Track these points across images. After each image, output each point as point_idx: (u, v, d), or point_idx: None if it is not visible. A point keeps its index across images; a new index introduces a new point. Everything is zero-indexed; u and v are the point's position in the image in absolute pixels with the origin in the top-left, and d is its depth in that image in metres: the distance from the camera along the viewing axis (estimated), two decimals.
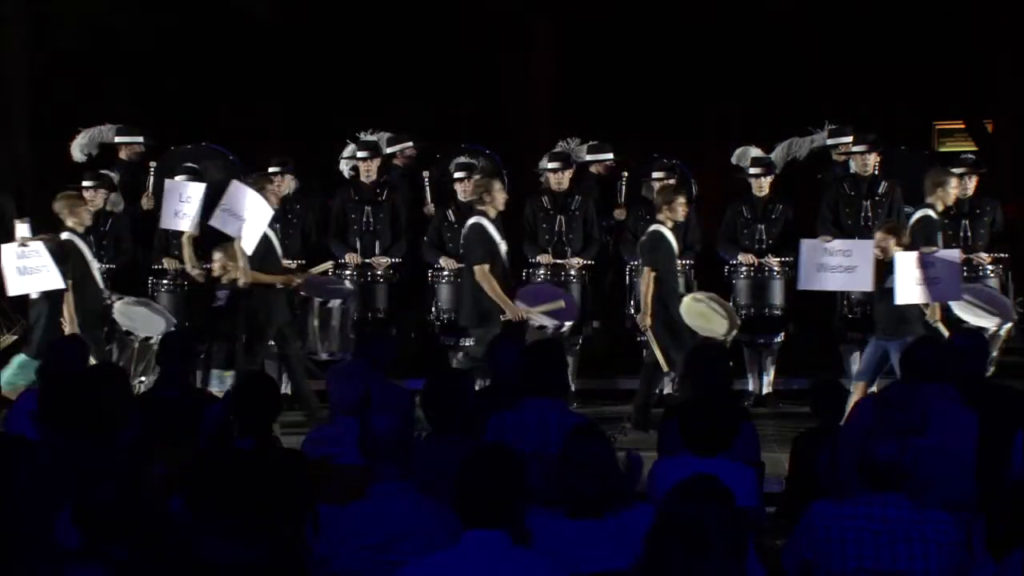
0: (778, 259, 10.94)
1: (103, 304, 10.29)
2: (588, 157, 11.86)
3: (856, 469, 4.88)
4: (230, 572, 4.40)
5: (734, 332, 10.08)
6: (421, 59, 15.52)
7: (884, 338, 9.26)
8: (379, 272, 11.02)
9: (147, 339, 10.32)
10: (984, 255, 10.85)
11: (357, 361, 7.10)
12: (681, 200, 10.11)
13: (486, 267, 9.86)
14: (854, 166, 11.18)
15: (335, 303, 10.39)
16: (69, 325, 9.83)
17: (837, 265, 9.48)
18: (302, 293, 10.43)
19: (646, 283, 9.93)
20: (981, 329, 9.73)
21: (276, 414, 6.19)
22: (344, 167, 11.70)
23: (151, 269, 11.04)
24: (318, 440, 6.34)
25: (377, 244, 11.19)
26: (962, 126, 16.74)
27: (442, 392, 6.07)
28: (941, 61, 15.25)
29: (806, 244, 9.68)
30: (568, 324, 10.44)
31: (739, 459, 5.70)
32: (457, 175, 11.22)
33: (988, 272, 10.80)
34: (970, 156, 12.03)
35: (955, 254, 9.53)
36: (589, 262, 11.04)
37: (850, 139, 11.34)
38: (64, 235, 10.04)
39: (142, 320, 10.43)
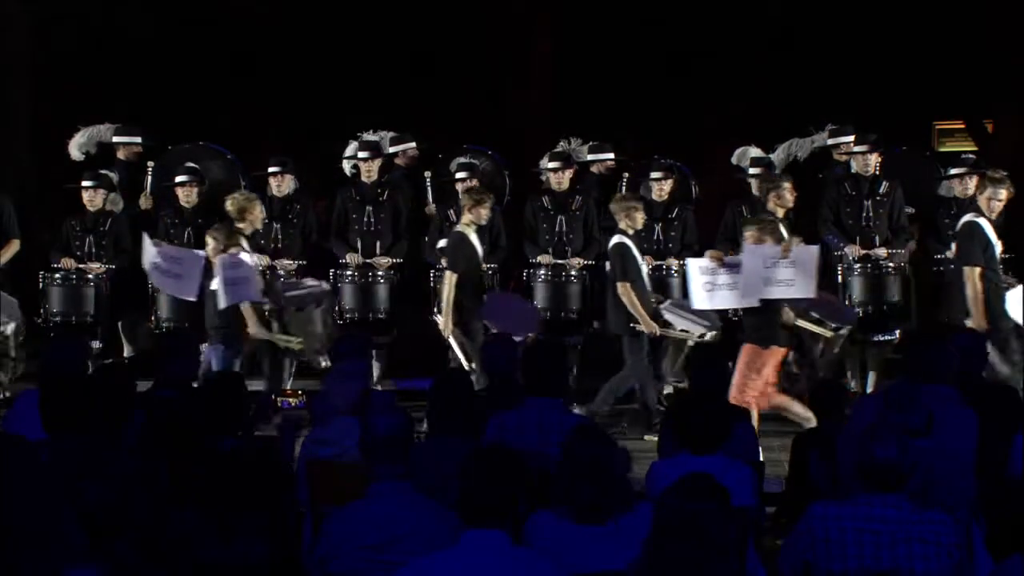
0: None
1: None
2: (589, 157, 11.86)
3: (856, 469, 4.89)
4: (229, 572, 4.41)
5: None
6: (421, 59, 15.50)
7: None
8: (380, 272, 11.02)
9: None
10: None
11: (357, 361, 7.09)
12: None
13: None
14: (855, 166, 11.18)
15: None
16: None
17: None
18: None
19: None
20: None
21: (247, 412, 6.21)
22: (346, 166, 11.71)
23: None
24: (318, 440, 6.34)
25: (378, 244, 11.19)
26: (962, 126, 16.72)
27: (442, 392, 6.08)
28: (941, 61, 15.23)
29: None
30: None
31: (738, 459, 5.71)
32: (459, 175, 11.22)
33: None
34: (970, 156, 12.03)
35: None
36: (589, 262, 11.04)
37: (851, 139, 11.33)
38: None
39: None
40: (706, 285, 9.64)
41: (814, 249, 9.65)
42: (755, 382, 9.02)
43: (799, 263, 9.27)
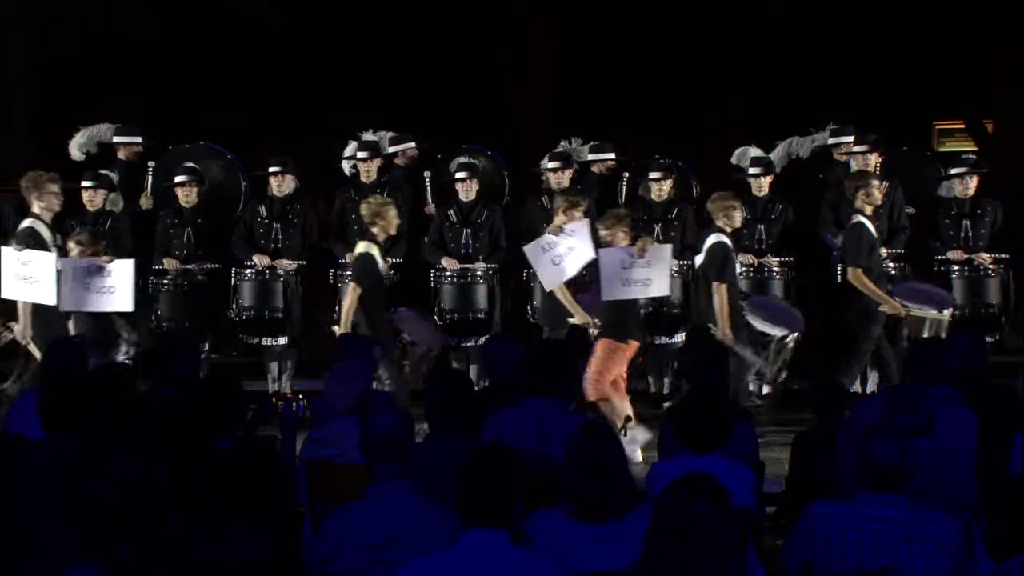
0: (778, 259, 10.94)
1: None
2: (590, 157, 11.85)
3: (856, 469, 4.89)
4: (229, 572, 4.41)
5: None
6: (422, 59, 15.50)
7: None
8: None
9: None
10: (985, 255, 10.85)
11: (357, 361, 7.09)
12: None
13: None
14: (855, 166, 11.18)
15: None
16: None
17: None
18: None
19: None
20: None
21: (244, 411, 6.21)
22: (346, 167, 11.71)
23: (151, 269, 11.03)
24: (318, 440, 6.34)
25: None
26: (962, 126, 16.72)
27: (440, 392, 6.07)
28: (941, 61, 15.23)
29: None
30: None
31: (738, 459, 5.70)
32: (458, 175, 11.22)
33: (989, 272, 10.81)
34: (970, 156, 12.03)
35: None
36: None
37: (851, 139, 11.34)
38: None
39: None
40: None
41: (667, 248, 9.73)
42: (608, 375, 9.04)
43: (654, 263, 9.37)
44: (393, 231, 10.11)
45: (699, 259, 9.92)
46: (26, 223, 10.05)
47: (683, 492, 4.13)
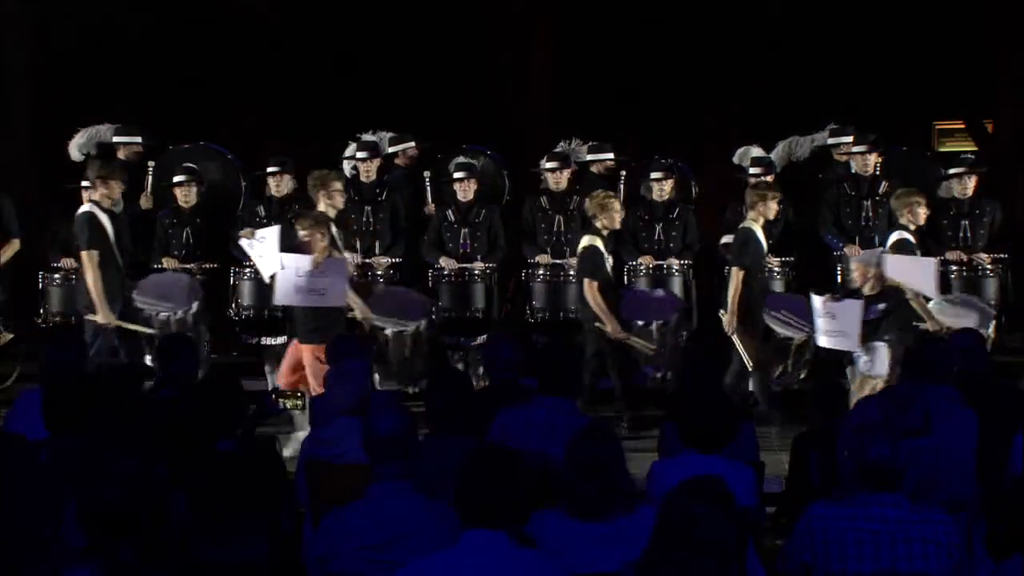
0: (778, 259, 10.93)
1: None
2: (589, 157, 11.86)
3: (854, 469, 4.89)
4: (229, 572, 4.41)
5: None
6: (422, 59, 15.50)
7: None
8: (379, 272, 11.02)
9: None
10: (983, 255, 10.85)
11: (357, 361, 7.09)
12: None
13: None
14: (855, 166, 11.18)
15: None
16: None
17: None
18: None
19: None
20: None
21: (243, 411, 6.22)
22: (346, 167, 11.70)
23: (151, 269, 11.03)
24: (318, 440, 6.34)
25: (377, 244, 11.19)
26: (962, 126, 16.73)
27: (439, 392, 6.07)
28: (941, 61, 15.24)
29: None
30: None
31: (738, 459, 5.70)
32: (457, 175, 11.22)
33: (988, 272, 10.80)
34: (970, 156, 12.04)
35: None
36: None
37: (851, 139, 11.34)
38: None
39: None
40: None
41: (342, 260, 9.79)
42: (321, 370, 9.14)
43: (329, 274, 9.51)
44: (617, 225, 10.18)
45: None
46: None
47: (688, 494, 4.13)
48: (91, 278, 9.83)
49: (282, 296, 9.67)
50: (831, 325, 9.51)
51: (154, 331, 10.09)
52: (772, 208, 10.07)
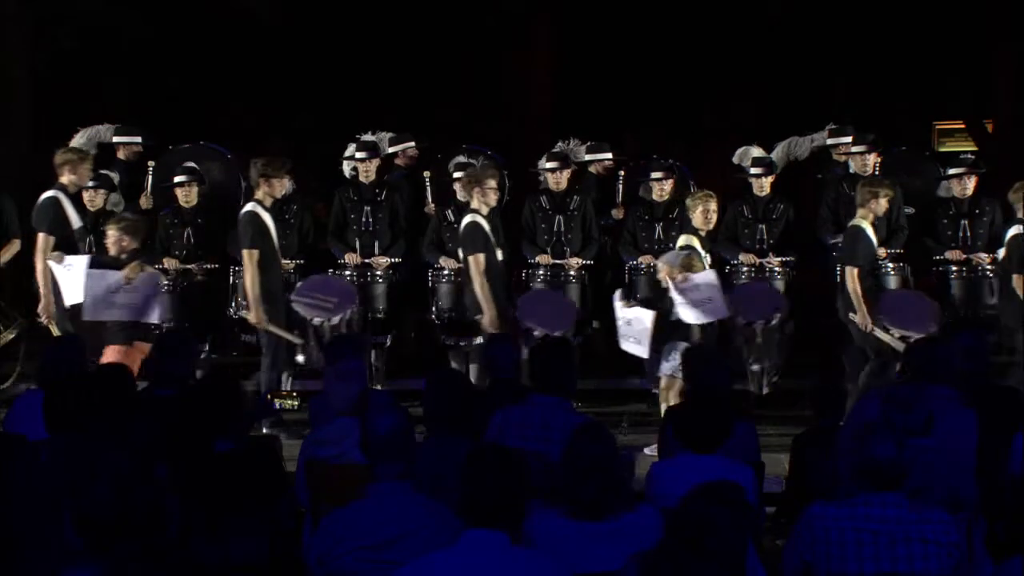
0: (779, 259, 10.93)
1: None
2: (587, 157, 11.86)
3: (855, 469, 4.89)
4: (228, 572, 4.41)
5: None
6: (422, 60, 15.52)
7: None
8: (379, 272, 11.02)
9: None
10: (983, 255, 10.85)
11: (355, 361, 7.09)
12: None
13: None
14: (854, 166, 11.18)
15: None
16: None
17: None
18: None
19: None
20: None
21: (242, 411, 6.22)
22: (345, 167, 11.70)
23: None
24: (318, 440, 6.34)
25: (376, 244, 11.18)
26: (962, 126, 16.74)
27: (437, 392, 6.08)
28: (941, 61, 15.26)
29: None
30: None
31: (738, 458, 5.70)
32: (456, 175, 11.22)
33: (988, 272, 10.80)
34: (970, 156, 12.02)
35: None
36: (588, 262, 11.04)
37: (850, 139, 11.34)
38: None
39: None
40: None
41: (154, 275, 9.79)
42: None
43: (140, 288, 9.55)
44: (711, 226, 10.18)
45: (1002, 252, 9.98)
46: None
47: (706, 498, 4.13)
48: (249, 277, 9.81)
49: (91, 312, 9.52)
50: (626, 330, 9.61)
51: (299, 341, 10.06)
52: (883, 206, 9.93)
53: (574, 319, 10.36)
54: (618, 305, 9.75)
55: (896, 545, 4.73)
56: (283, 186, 10.17)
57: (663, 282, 9.58)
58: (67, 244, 9.99)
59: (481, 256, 9.92)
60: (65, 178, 10.07)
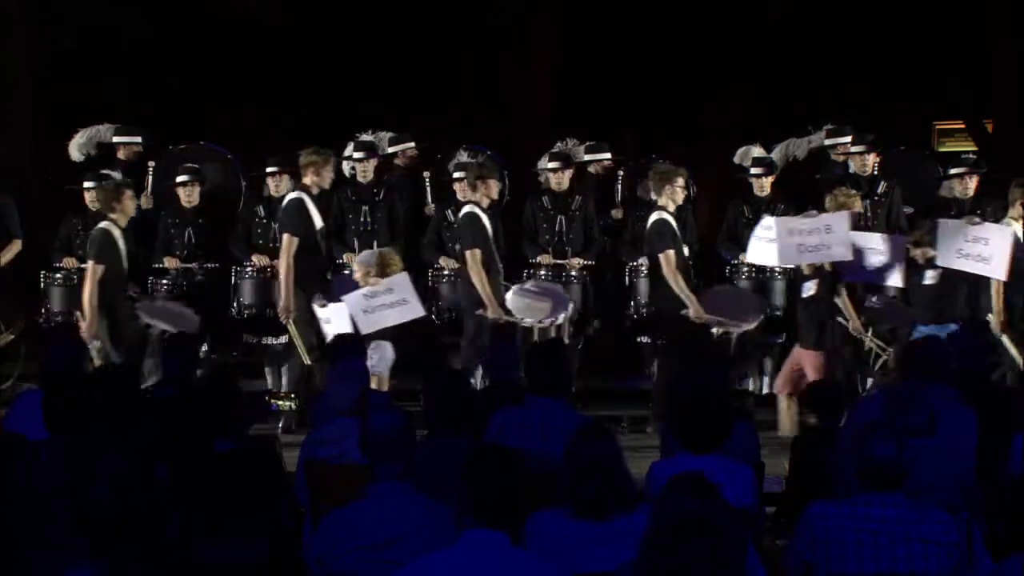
0: None
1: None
2: (586, 157, 11.84)
3: (855, 469, 4.89)
4: (228, 572, 4.41)
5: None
6: (422, 60, 15.52)
7: None
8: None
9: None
10: None
11: (355, 361, 7.10)
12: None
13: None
14: (853, 166, 11.17)
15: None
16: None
17: None
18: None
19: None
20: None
21: (243, 411, 6.22)
22: (345, 167, 11.70)
23: (151, 269, 11.03)
24: (318, 440, 6.34)
25: (375, 244, 11.16)
26: (962, 126, 16.75)
27: (436, 392, 6.08)
28: (941, 61, 15.26)
29: None
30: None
31: (738, 458, 5.70)
32: (456, 175, 11.21)
33: None
34: (970, 156, 12.03)
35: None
36: (590, 262, 11.03)
37: (848, 139, 11.33)
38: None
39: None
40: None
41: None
42: None
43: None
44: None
45: None
46: None
47: (678, 490, 4.13)
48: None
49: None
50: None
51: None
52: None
53: (759, 313, 10.40)
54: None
55: (896, 545, 4.73)
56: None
57: (361, 283, 9.71)
58: (310, 246, 10.06)
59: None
60: (308, 179, 10.17)
